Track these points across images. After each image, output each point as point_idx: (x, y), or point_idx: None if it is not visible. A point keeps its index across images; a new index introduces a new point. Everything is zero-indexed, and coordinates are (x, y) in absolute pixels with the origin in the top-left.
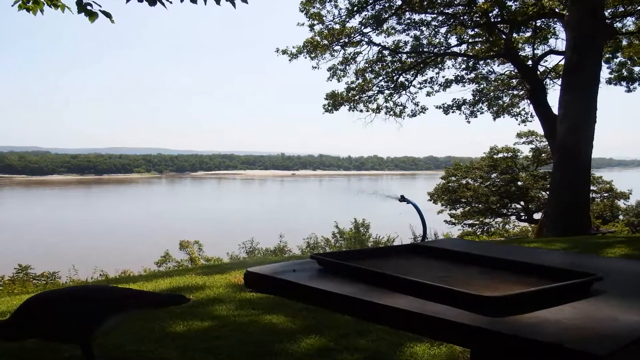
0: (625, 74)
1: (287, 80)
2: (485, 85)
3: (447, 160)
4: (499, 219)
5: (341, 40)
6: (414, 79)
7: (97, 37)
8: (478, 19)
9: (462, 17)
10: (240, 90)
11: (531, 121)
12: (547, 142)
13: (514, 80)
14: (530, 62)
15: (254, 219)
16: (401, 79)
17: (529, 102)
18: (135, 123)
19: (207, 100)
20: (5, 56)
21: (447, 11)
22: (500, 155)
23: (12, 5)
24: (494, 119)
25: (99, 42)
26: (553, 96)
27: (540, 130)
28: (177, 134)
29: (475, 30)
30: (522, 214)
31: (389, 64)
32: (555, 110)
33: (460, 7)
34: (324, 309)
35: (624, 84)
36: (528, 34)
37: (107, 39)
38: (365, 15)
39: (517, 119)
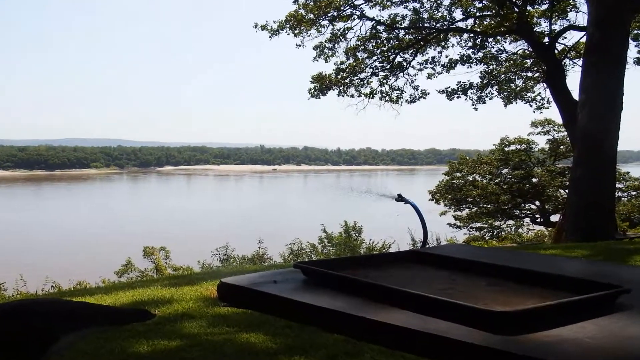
0: None
1: (268, 61)
2: (494, 66)
3: (451, 154)
4: (511, 222)
5: (329, 14)
6: (413, 59)
7: (50, 14)
8: None
9: None
10: (213, 73)
11: (548, 108)
12: (566, 133)
13: (528, 61)
14: (546, 40)
15: (229, 222)
16: (398, 59)
17: (545, 85)
18: (93, 111)
19: (175, 85)
20: None
21: None
22: (513, 147)
23: None
24: (505, 105)
25: (51, 19)
26: (573, 79)
27: (558, 118)
28: (141, 123)
29: (484, 2)
30: (537, 215)
31: (384, 42)
32: (575, 95)
33: None
34: (310, 326)
35: None
36: (544, 7)
37: (61, 14)
38: None
39: (531, 106)
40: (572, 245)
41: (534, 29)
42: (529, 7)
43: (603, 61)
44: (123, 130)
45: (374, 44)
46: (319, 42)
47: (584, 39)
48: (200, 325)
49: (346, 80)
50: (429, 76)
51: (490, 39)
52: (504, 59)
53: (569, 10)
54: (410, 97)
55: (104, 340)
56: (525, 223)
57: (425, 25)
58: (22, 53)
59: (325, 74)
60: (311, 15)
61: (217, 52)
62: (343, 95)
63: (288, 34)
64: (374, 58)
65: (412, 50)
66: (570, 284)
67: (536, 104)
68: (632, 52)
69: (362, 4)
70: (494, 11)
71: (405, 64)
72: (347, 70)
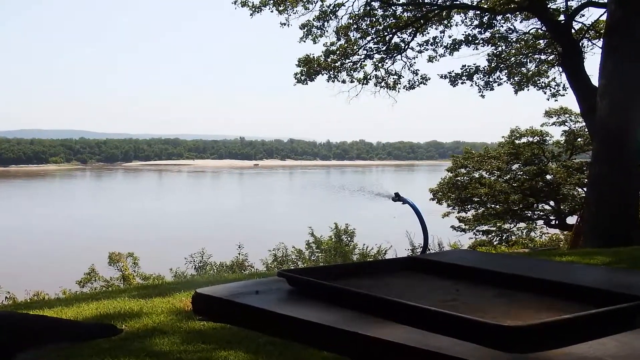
0: None
1: (248, 43)
2: (504, 47)
3: (455, 147)
4: (522, 225)
5: None
6: (412, 39)
7: None
8: None
9: None
10: (188, 58)
11: (564, 95)
12: (584, 123)
13: (541, 42)
14: (562, 18)
15: (206, 225)
16: (395, 39)
17: (560, 69)
18: (52, 99)
19: (144, 71)
20: None
21: None
22: (524, 140)
23: None
24: (516, 92)
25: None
26: (592, 62)
27: (575, 106)
28: (106, 112)
29: None
30: (551, 217)
31: (380, 20)
32: (594, 81)
33: None
34: (296, 343)
35: None
36: None
37: None
38: None
39: (545, 93)
40: (591, 251)
41: (548, 5)
42: None
43: (626, 42)
44: (86, 121)
45: (368, 22)
46: (306, 20)
47: (604, 17)
48: (172, 342)
49: (337, 64)
50: (430, 59)
51: (499, 17)
52: (514, 39)
53: None
54: (409, 83)
55: (65, 359)
56: (539, 226)
57: (426, 1)
58: None
59: (314, 57)
60: None
61: (193, 32)
62: (333, 81)
63: (271, 11)
64: (368, 38)
65: (411, 30)
66: (589, 295)
67: (550, 90)
68: None
69: None
70: None
71: (403, 45)
72: (338, 52)
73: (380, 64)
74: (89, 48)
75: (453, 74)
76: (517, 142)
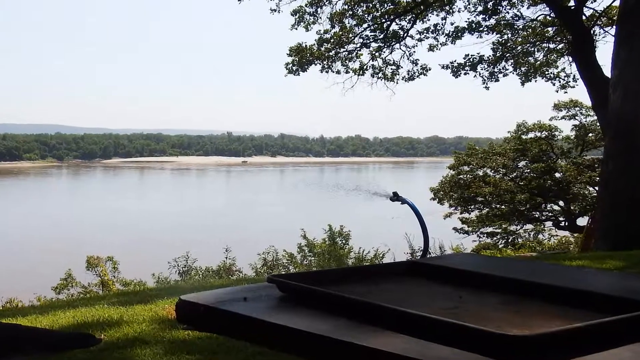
0: None
1: (236, 32)
2: (510, 35)
3: (457, 143)
4: (529, 226)
5: None
6: (412, 26)
7: None
8: None
9: None
10: (171, 49)
11: (574, 86)
12: (595, 117)
13: (550, 29)
14: (572, 3)
15: (190, 227)
16: (394, 26)
17: (570, 59)
18: (26, 91)
19: (124, 62)
20: None
21: None
22: (531, 135)
23: None
24: (523, 83)
25: None
26: (604, 51)
27: (586, 99)
28: (84, 105)
29: None
30: (561, 218)
31: (377, 6)
32: (607, 72)
33: None
34: (286, 354)
35: None
36: None
37: None
38: None
39: (554, 84)
40: (603, 254)
41: None
42: None
43: None
44: (64, 114)
45: (364, 8)
46: (297, 5)
47: (616, 3)
48: (155, 353)
49: (331, 53)
50: (431, 48)
51: (505, 2)
52: (520, 26)
53: None
54: (408, 74)
55: None
56: (547, 228)
57: None
58: None
59: (306, 46)
60: None
61: (178, 22)
62: (327, 72)
63: None
64: (365, 26)
65: (410, 16)
66: (601, 303)
67: (560, 81)
68: None
69: None
70: None
71: (402, 32)
72: (332, 40)
73: (377, 53)
74: (63, 37)
75: (455, 64)
76: (524, 137)
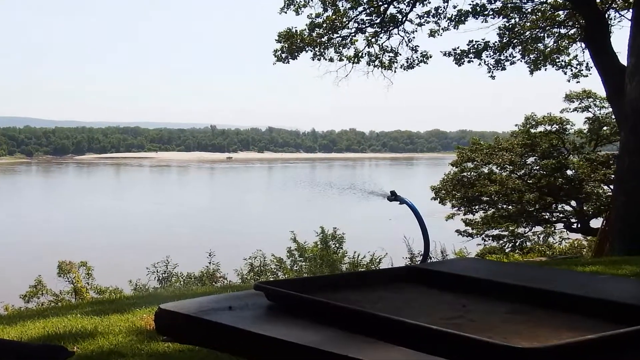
0: None
1: (221, 15)
2: (517, 19)
3: (461, 137)
4: (539, 228)
5: None
6: (411, 10)
7: None
8: None
9: None
10: (149, 37)
11: (587, 76)
12: (610, 108)
13: (560, 13)
14: None
15: (170, 229)
16: (391, 10)
17: (583, 46)
18: None
19: (98, 48)
20: None
21: None
22: (541, 129)
23: None
24: (531, 72)
25: None
26: (620, 37)
27: (600, 89)
28: (55, 96)
29: None
30: (573, 220)
31: None
32: (623, 59)
33: None
34: None
35: None
36: None
37: None
38: None
39: (565, 73)
40: (618, 259)
41: None
42: None
43: None
44: (32, 106)
45: None
46: None
47: None
48: None
49: (323, 39)
50: (432, 33)
51: None
52: (529, 10)
53: None
54: (407, 62)
55: None
56: (558, 230)
57: None
58: None
59: (297, 31)
60: None
61: (158, 10)
62: (319, 59)
63: None
64: (360, 9)
65: None
66: (616, 312)
67: (572, 70)
68: None
69: None
70: None
71: (400, 17)
72: (324, 25)
73: (373, 39)
74: (33, 23)
75: (458, 51)
76: (532, 131)
